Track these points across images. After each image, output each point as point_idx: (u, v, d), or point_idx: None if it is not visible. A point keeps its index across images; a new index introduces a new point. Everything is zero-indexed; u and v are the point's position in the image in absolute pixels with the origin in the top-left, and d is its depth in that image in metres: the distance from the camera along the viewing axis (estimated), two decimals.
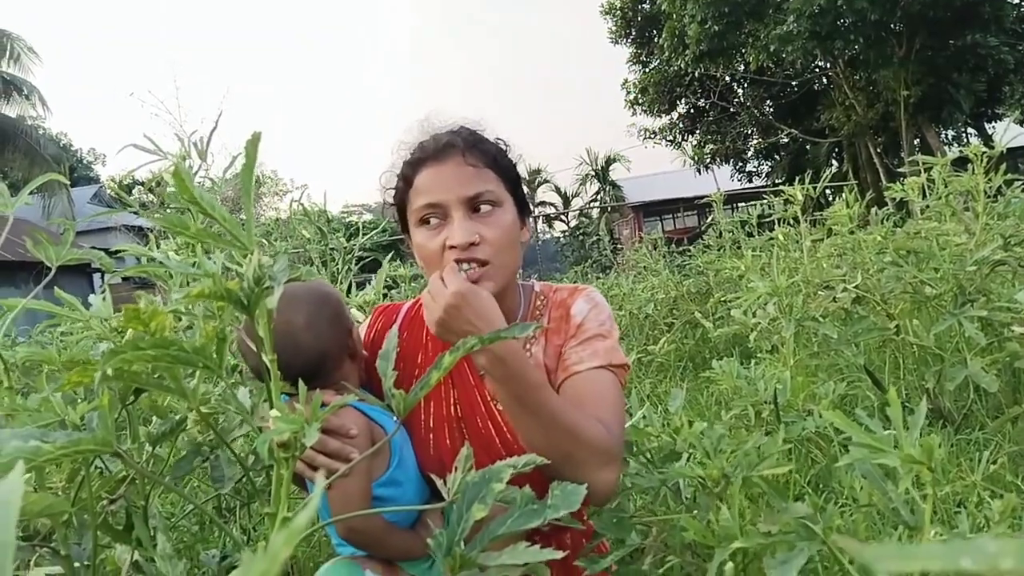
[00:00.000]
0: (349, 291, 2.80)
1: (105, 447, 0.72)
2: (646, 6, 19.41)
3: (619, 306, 4.86)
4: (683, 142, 21.91)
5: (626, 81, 21.03)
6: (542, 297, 1.33)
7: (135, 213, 1.70)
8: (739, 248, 5.02)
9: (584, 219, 29.35)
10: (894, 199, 3.34)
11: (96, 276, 20.75)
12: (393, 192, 1.29)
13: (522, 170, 1.31)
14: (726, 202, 4.99)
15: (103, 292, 1.46)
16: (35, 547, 1.05)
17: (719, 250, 5.50)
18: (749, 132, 21.20)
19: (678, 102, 21.21)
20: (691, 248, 6.47)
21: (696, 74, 18.73)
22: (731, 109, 20.73)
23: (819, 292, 2.74)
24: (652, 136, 22.10)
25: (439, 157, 1.19)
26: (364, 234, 3.06)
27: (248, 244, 0.72)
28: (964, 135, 18.80)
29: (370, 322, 1.42)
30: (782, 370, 2.26)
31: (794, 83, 19.39)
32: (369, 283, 2.58)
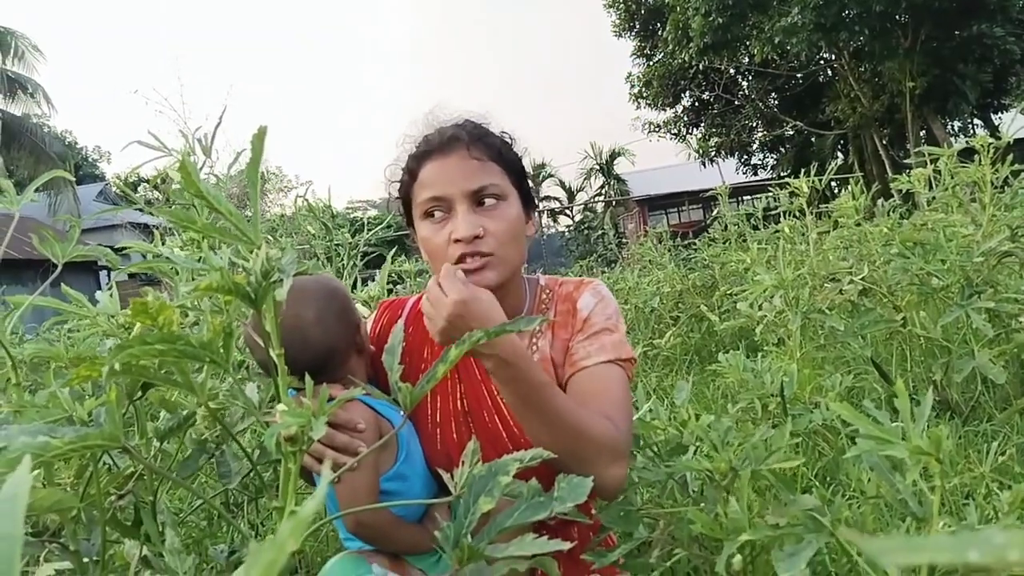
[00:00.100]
0: (354, 287, 2.80)
1: (113, 442, 0.72)
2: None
3: (625, 300, 4.86)
4: (688, 135, 21.84)
5: (630, 74, 20.96)
6: (547, 291, 1.33)
7: (140, 210, 1.70)
8: (745, 241, 5.00)
9: (589, 213, 29.33)
10: (900, 191, 3.33)
11: (103, 273, 20.84)
12: (398, 185, 1.28)
13: (527, 164, 1.31)
14: (731, 195, 4.98)
15: (110, 289, 1.46)
16: (44, 543, 1.05)
17: (725, 243, 5.48)
18: (754, 125, 21.11)
19: (682, 95, 21.13)
20: (696, 241, 6.46)
21: (700, 67, 18.64)
22: (736, 102, 20.65)
23: (825, 284, 2.73)
24: (656, 130, 22.04)
25: (444, 150, 1.19)
26: (369, 230, 3.06)
27: (255, 238, 0.72)
28: (970, 126, 18.67)
29: (375, 317, 1.42)
30: (788, 363, 2.26)
31: (799, 75, 19.28)
32: (373, 279, 2.58)
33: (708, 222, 6.75)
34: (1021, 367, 2.49)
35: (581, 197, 33.18)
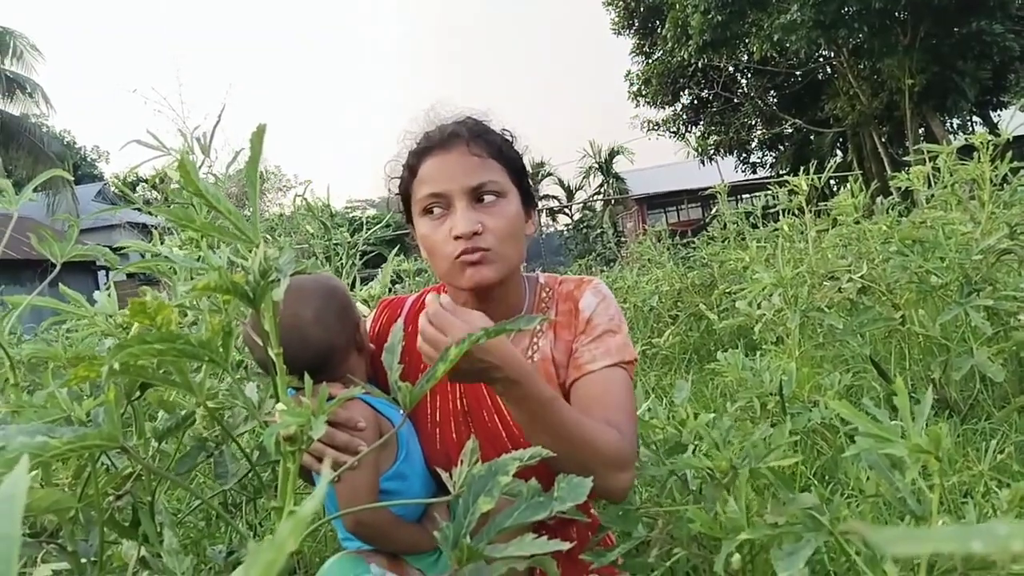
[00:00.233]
0: (353, 286, 2.80)
1: (111, 442, 0.72)
2: None
3: (624, 299, 4.86)
4: (687, 133, 21.83)
5: (629, 72, 20.96)
6: (547, 289, 1.33)
7: (139, 210, 1.70)
8: (743, 239, 5.00)
9: (588, 212, 29.32)
10: (899, 188, 3.33)
11: (101, 273, 20.83)
12: (398, 182, 1.28)
13: (527, 162, 1.31)
14: (730, 193, 4.98)
15: (108, 288, 1.46)
16: (42, 543, 1.05)
17: (723, 242, 5.49)
18: (753, 123, 21.11)
19: (681, 93, 21.13)
20: (695, 240, 6.46)
21: (699, 65, 18.64)
22: (735, 100, 20.65)
23: (824, 283, 2.73)
24: (656, 128, 22.04)
25: (444, 146, 1.19)
26: (368, 229, 3.06)
27: (254, 237, 0.72)
28: (969, 123, 18.67)
29: (375, 316, 1.42)
30: (787, 361, 2.26)
31: (798, 73, 19.28)
32: (374, 278, 2.58)
33: (707, 220, 6.76)
34: (1019, 365, 2.49)
35: (580, 196, 33.21)
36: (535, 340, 1.27)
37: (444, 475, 0.90)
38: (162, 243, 1.70)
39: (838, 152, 20.81)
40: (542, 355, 1.26)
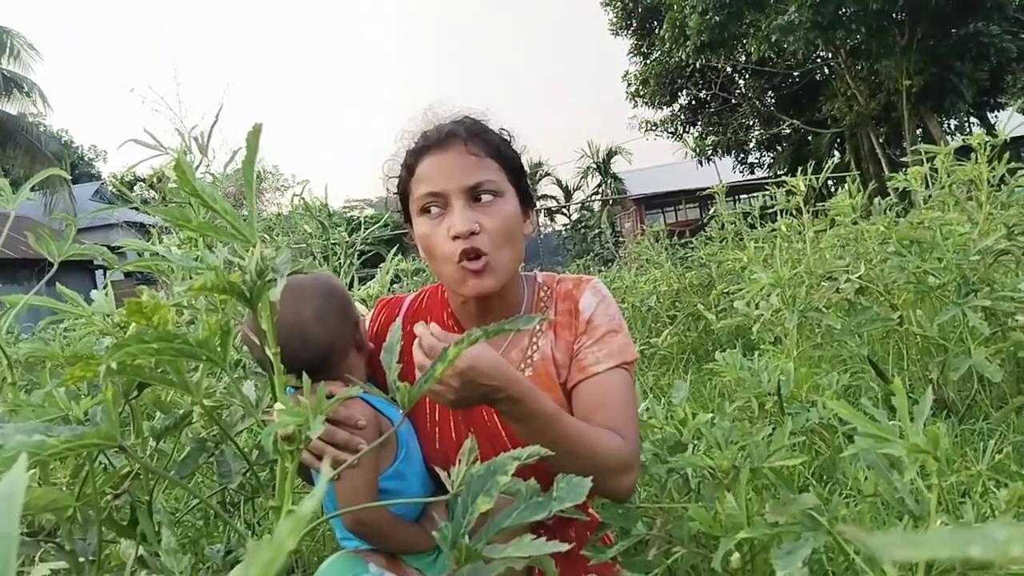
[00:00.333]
0: (351, 286, 2.80)
1: (109, 441, 0.72)
2: None
3: (622, 299, 4.85)
4: (685, 134, 21.83)
5: (627, 73, 20.95)
6: (546, 288, 1.33)
7: (136, 209, 1.70)
8: (741, 240, 5.01)
9: (586, 212, 29.34)
10: (897, 189, 3.33)
11: (99, 272, 20.81)
12: (396, 181, 1.28)
13: (525, 162, 1.31)
14: (728, 194, 4.99)
15: (105, 288, 1.45)
16: (40, 542, 1.05)
17: (721, 242, 5.49)
18: (751, 123, 21.11)
19: (679, 94, 21.13)
20: (693, 240, 6.47)
21: (697, 65, 18.63)
22: (732, 100, 20.65)
23: (822, 283, 2.73)
24: (653, 128, 22.03)
25: (441, 146, 1.19)
26: (365, 229, 3.06)
27: (250, 237, 0.72)
28: (967, 124, 18.70)
29: (373, 315, 1.41)
30: (785, 361, 2.26)
31: (796, 74, 19.28)
32: (372, 277, 2.58)
33: (705, 221, 6.76)
34: (1017, 365, 2.49)
35: (578, 196, 33.20)
36: (535, 340, 1.27)
37: (443, 474, 0.90)
38: (160, 242, 1.70)
39: (836, 153, 20.84)
40: (542, 354, 1.25)
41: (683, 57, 17.51)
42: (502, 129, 1.27)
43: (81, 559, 1.06)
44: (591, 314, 1.26)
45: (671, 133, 21.88)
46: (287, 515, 0.73)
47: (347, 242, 3.03)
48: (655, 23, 19.22)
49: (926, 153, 2.96)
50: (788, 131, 20.91)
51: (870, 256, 2.74)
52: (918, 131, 16.93)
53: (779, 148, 22.61)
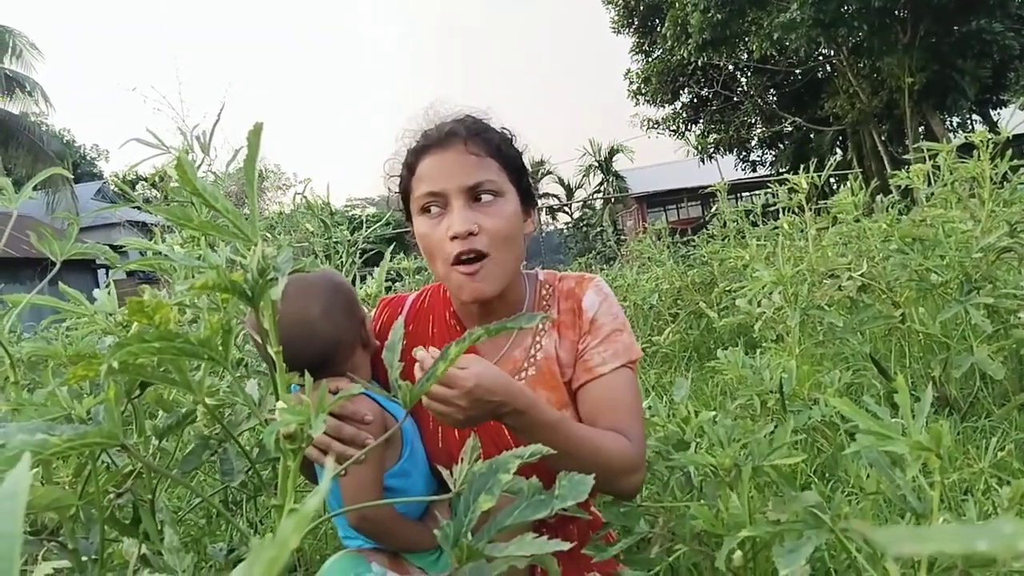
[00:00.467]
0: (353, 284, 2.80)
1: (112, 440, 0.72)
2: None
3: (623, 297, 4.85)
4: (686, 132, 21.82)
5: (629, 71, 20.94)
6: (547, 286, 1.32)
7: (139, 208, 1.70)
8: (743, 238, 5.00)
9: (588, 210, 29.30)
10: (899, 186, 3.32)
11: (101, 272, 20.84)
12: (397, 180, 1.28)
13: (527, 161, 1.30)
14: (730, 192, 4.98)
15: (108, 287, 1.46)
16: (43, 541, 1.05)
17: (723, 240, 5.48)
18: (753, 121, 21.10)
19: (681, 92, 21.12)
20: (695, 238, 6.46)
21: (699, 63, 18.63)
22: (734, 98, 20.64)
23: (824, 281, 2.73)
24: (655, 126, 22.03)
25: (441, 145, 1.18)
26: (367, 227, 3.06)
27: (252, 236, 0.72)
28: (969, 122, 18.67)
29: (375, 314, 1.41)
30: (787, 359, 2.26)
31: (798, 71, 19.27)
32: (371, 276, 2.58)
33: (707, 219, 6.76)
34: (1019, 363, 2.49)
35: (580, 194, 33.20)
36: (538, 339, 1.27)
37: (446, 473, 0.90)
38: (162, 241, 1.70)
39: (838, 150, 20.83)
40: (545, 354, 1.25)
41: (685, 55, 17.51)
42: (503, 128, 1.27)
43: (84, 558, 1.06)
44: (595, 313, 1.26)
45: (673, 131, 21.88)
46: (290, 513, 0.73)
47: (349, 241, 3.03)
48: (657, 21, 19.22)
49: (928, 150, 2.96)
50: (790, 129, 20.90)
51: (872, 254, 2.73)
52: (920, 129, 16.91)
53: (781, 146, 22.59)
